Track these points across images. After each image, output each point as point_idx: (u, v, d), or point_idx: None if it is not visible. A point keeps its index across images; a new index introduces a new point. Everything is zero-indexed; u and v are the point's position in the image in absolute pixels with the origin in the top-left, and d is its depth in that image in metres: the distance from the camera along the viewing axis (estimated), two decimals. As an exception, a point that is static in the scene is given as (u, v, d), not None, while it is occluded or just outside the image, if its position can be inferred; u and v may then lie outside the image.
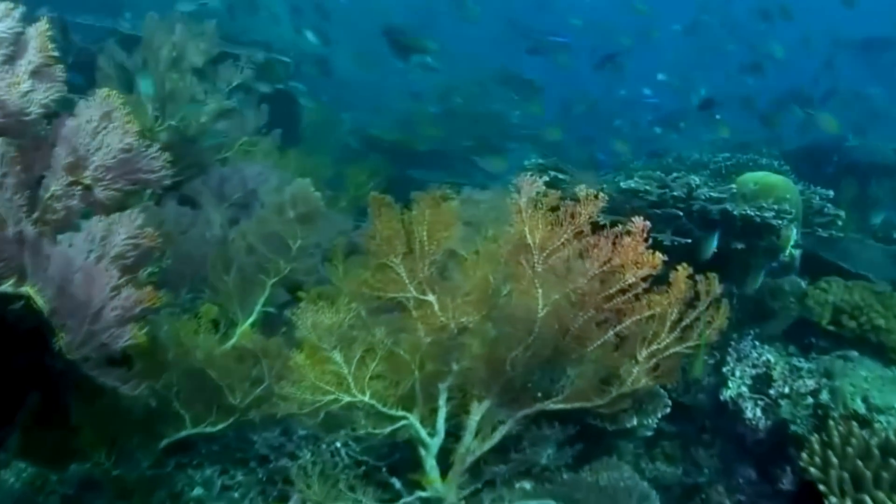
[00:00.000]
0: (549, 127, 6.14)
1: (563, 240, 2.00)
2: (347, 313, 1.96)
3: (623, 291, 2.09)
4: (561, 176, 3.49)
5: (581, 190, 2.10)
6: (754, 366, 2.89)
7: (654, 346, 2.26)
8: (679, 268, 2.22)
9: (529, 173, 3.87)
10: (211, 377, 2.39)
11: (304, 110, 5.28)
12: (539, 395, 2.32)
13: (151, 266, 3.27)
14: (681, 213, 3.15)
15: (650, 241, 2.17)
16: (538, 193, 2.15)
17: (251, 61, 3.74)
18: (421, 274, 2.09)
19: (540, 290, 2.05)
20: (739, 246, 3.11)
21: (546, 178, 3.70)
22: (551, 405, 2.30)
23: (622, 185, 3.31)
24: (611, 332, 2.11)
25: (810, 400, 2.61)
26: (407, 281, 2.09)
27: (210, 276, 3.13)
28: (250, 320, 3.09)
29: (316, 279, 3.55)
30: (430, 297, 2.10)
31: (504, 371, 2.18)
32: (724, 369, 2.97)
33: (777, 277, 3.30)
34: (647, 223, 2.05)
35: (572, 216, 2.03)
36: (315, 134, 5.20)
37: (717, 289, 2.30)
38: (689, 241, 3.07)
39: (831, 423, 2.12)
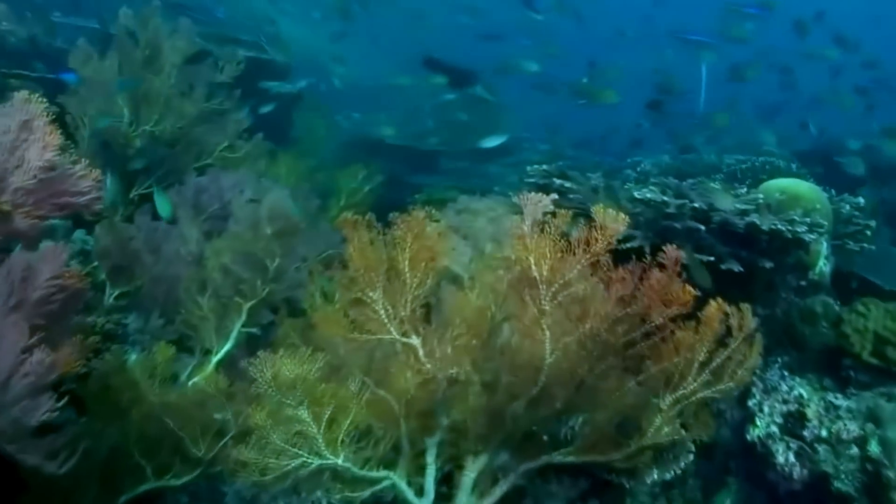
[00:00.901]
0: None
1: (576, 272, 1.58)
2: (313, 363, 1.54)
3: (648, 335, 1.68)
4: (568, 184, 3.07)
5: (598, 210, 1.68)
6: (784, 401, 2.48)
7: (680, 392, 1.84)
8: (712, 302, 1.80)
9: (533, 177, 3.50)
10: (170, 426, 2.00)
11: (298, 112, 4.86)
12: (545, 443, 1.92)
13: (121, 287, 2.90)
14: (701, 227, 2.73)
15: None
16: (546, 214, 1.73)
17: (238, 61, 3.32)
18: (403, 312, 1.68)
19: (547, 333, 1.64)
20: (767, 264, 2.68)
21: (548, 183, 3.30)
22: (559, 458, 1.90)
23: (636, 194, 2.89)
24: (632, 382, 1.69)
25: (856, 450, 2.19)
26: (386, 320, 1.68)
27: (183, 298, 2.73)
28: (226, 348, 2.70)
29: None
30: (414, 340, 1.69)
31: (504, 425, 1.77)
32: (751, 403, 2.55)
33: (806, 297, 2.87)
34: (681, 252, 1.63)
35: (587, 243, 1.61)
36: (309, 136, 4.79)
37: (752, 323, 1.88)
38: (712, 258, 2.66)
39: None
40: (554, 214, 1.71)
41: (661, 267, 1.69)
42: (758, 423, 2.46)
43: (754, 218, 2.69)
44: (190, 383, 2.71)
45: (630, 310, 1.61)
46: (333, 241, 3.39)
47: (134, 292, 2.80)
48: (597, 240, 1.63)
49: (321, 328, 1.72)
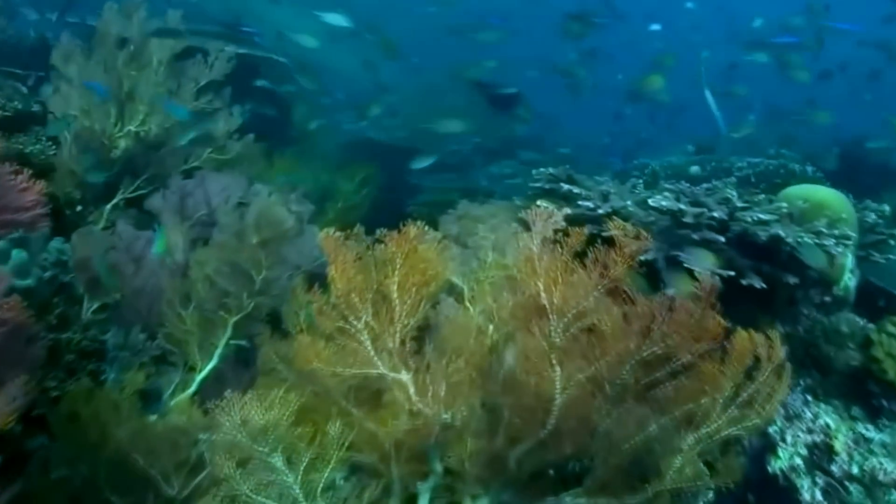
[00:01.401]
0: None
1: (592, 301, 1.34)
2: (286, 409, 1.30)
3: (673, 373, 1.44)
4: (576, 190, 2.82)
5: (616, 226, 1.43)
6: (809, 430, 2.23)
7: (704, 430, 1.59)
8: (741, 332, 1.56)
9: (539, 181, 3.25)
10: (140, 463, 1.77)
11: (296, 111, 4.61)
12: (552, 481, 1.68)
13: (99, 300, 2.67)
14: (721, 238, 2.48)
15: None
16: (557, 232, 1.49)
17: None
18: (391, 343, 1.44)
19: (558, 370, 1.39)
20: (791, 280, 2.43)
21: (555, 188, 3.05)
22: (568, 500, 1.65)
23: (650, 202, 2.65)
24: (653, 426, 1.45)
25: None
26: (372, 353, 1.44)
27: (166, 311, 2.50)
28: (210, 365, 2.47)
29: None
30: (404, 377, 1.44)
31: (506, 469, 1.53)
32: (772, 430, 2.30)
33: (830, 314, 2.62)
34: (716, 281, 1.39)
35: (605, 266, 1.36)
36: (307, 137, 4.54)
37: (781, 353, 1.64)
38: (733, 273, 2.41)
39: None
40: (567, 232, 1.46)
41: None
42: (780, 453, 2.21)
43: (778, 230, 2.44)
44: (172, 402, 2.49)
45: (654, 345, 1.36)
46: (328, 247, 3.17)
47: (114, 305, 2.57)
48: (615, 261, 1.38)
49: (300, 359, 1.48)
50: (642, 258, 2.54)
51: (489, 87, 4.57)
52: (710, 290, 1.36)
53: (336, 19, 4.38)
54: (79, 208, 3.03)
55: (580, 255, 1.48)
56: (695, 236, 2.53)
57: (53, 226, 2.99)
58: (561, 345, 1.38)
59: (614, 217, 2.71)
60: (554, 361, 1.40)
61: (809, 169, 4.12)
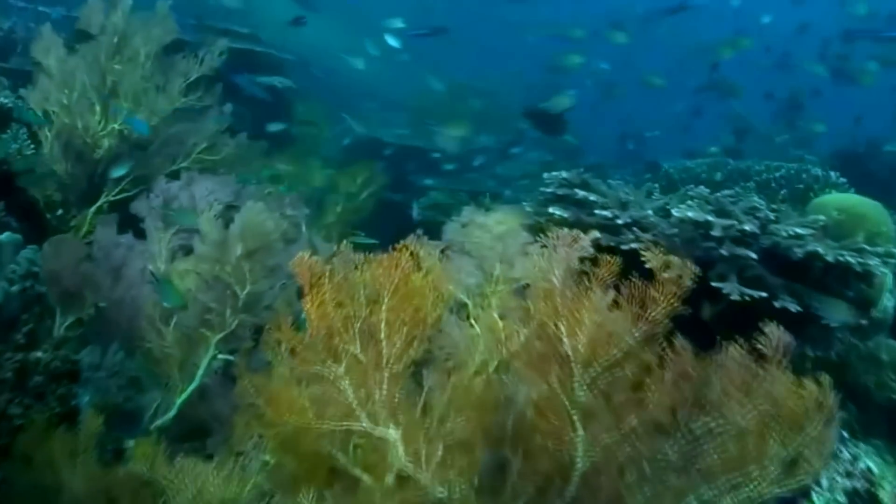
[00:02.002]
0: None
1: (626, 348, 1.05)
2: (243, 487, 1.02)
3: (714, 433, 1.15)
4: (592, 197, 2.52)
5: (655, 258, 1.15)
6: (848, 474, 1.94)
7: (745, 494, 1.30)
8: (789, 383, 1.27)
9: (550, 186, 2.95)
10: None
11: (297, 109, 4.32)
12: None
13: (74, 314, 2.40)
14: (753, 256, 2.18)
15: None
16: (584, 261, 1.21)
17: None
18: (378, 393, 1.15)
19: (580, 433, 1.11)
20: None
21: (568, 193, 2.75)
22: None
23: (675, 212, 2.35)
24: (692, 501, 1.16)
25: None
26: (355, 405, 1.16)
27: (145, 327, 2.24)
28: (192, 387, 2.20)
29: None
30: (392, 434, 1.16)
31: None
32: (807, 469, 2.00)
33: (866, 339, 2.32)
34: (785, 336, 1.09)
35: (642, 305, 1.08)
36: (308, 136, 4.26)
37: (832, 400, 1.35)
38: (765, 294, 2.11)
39: None
40: (595, 260, 1.17)
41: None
42: (815, 500, 1.92)
43: (817, 247, 2.14)
44: (153, 425, 2.24)
45: (703, 414, 1.07)
46: (324, 254, 2.88)
47: (89, 320, 2.30)
48: (656, 301, 1.09)
49: (272, 410, 1.20)
50: (666, 276, 2.27)
51: (537, 112, 4.27)
52: (783, 349, 1.06)
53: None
54: (60, 212, 2.77)
55: (595, 281, 1.19)
56: (723, 251, 2.24)
57: (32, 231, 2.74)
58: (585, 401, 1.10)
59: (634, 228, 2.44)
60: (576, 419, 1.12)
61: (833, 174, 3.80)
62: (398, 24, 4.60)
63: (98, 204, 2.78)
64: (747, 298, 2.13)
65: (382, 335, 1.14)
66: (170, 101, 2.69)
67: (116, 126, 2.68)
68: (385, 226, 4.07)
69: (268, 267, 2.06)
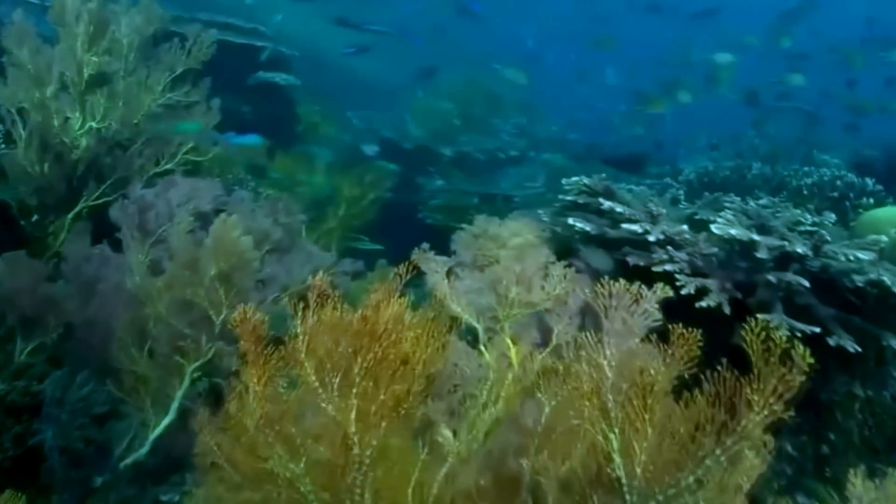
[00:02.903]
0: None
1: (703, 474, 0.68)
2: None
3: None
4: (619, 209, 2.13)
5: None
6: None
7: None
8: None
9: (570, 193, 2.57)
10: None
11: (302, 108, 3.95)
12: None
13: (38, 339, 2.07)
14: (806, 284, 1.80)
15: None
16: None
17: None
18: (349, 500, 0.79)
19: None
20: (893, 341, 1.76)
21: (590, 203, 2.37)
22: None
23: (715, 229, 1.96)
24: None
25: None
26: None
27: (117, 353, 1.90)
28: (165, 421, 1.87)
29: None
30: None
31: None
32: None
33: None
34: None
35: (731, 408, 0.71)
36: (313, 136, 3.89)
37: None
38: (817, 329, 1.73)
39: None
40: (671, 339, 0.80)
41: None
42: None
43: (882, 276, 1.75)
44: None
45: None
46: (321, 264, 2.52)
47: (55, 344, 1.97)
48: (752, 405, 0.71)
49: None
50: (704, 304, 1.89)
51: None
52: None
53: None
54: (35, 217, 2.43)
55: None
56: (770, 277, 1.85)
57: (4, 239, 2.41)
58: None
59: (668, 248, 2.06)
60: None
61: (869, 181, 3.38)
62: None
63: (77, 209, 2.43)
64: (797, 335, 1.75)
65: (353, 430, 0.78)
66: (154, 97, 2.33)
67: (94, 125, 2.33)
68: (392, 230, 3.74)
69: (247, 288, 1.70)
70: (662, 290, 0.86)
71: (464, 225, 2.21)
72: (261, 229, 2.38)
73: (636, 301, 0.82)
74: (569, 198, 2.38)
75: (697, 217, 2.56)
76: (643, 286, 0.85)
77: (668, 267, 1.91)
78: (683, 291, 1.87)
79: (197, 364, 1.84)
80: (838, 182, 3.38)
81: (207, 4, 3.98)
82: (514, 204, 3.64)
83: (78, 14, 2.15)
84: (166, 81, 2.37)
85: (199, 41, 2.35)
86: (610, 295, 0.83)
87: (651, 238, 1.97)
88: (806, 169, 3.58)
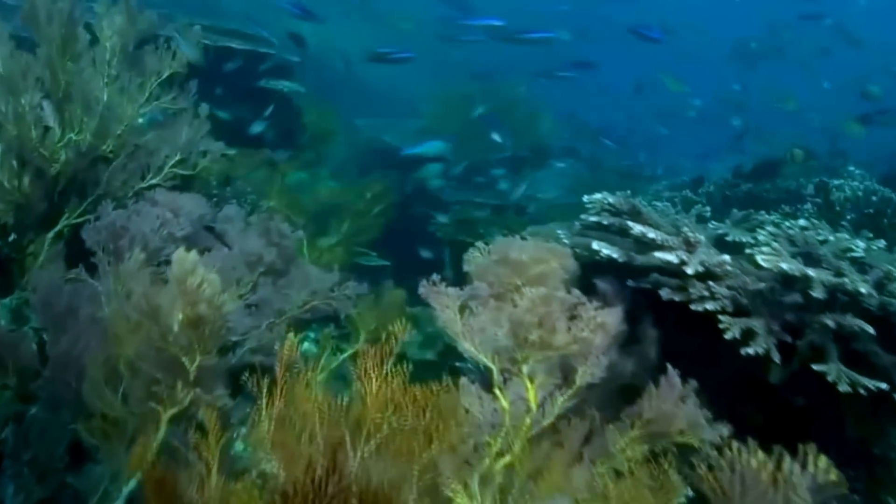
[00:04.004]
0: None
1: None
2: None
3: None
4: (651, 234, 1.80)
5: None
6: None
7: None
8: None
9: (593, 213, 2.25)
10: None
11: (308, 117, 3.63)
12: None
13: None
14: (871, 331, 1.47)
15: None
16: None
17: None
18: None
19: None
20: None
21: (615, 224, 2.04)
22: None
23: (762, 262, 1.63)
24: None
25: None
26: None
27: (89, 395, 1.61)
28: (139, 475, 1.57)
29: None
30: None
31: None
32: None
33: None
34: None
35: None
36: (318, 145, 3.58)
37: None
38: (884, 386, 1.41)
39: None
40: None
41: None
42: None
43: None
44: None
45: None
46: (320, 287, 2.22)
47: (18, 385, 1.68)
48: None
49: None
50: (750, 351, 1.57)
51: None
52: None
53: None
54: (13, 237, 2.14)
55: None
56: (828, 321, 1.52)
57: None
58: None
59: (709, 282, 1.73)
60: None
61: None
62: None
63: (57, 228, 2.14)
64: (861, 391, 1.43)
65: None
66: (134, 105, 2.03)
67: (74, 137, 2.03)
68: (400, 243, 3.46)
69: (221, 332, 1.40)
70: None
71: (479, 244, 1.89)
72: (252, 251, 2.09)
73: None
74: (592, 218, 2.06)
75: (729, 238, 2.23)
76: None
77: (709, 306, 1.59)
78: (728, 336, 1.56)
79: (173, 412, 1.54)
80: (873, 198, 3.02)
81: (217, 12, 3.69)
82: (529, 217, 3.32)
83: (49, 15, 1.85)
84: (152, 88, 2.07)
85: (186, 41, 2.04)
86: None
87: (689, 270, 1.65)
88: (837, 182, 3.23)
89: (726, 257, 1.72)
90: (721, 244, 2.17)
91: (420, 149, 3.34)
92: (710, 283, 1.64)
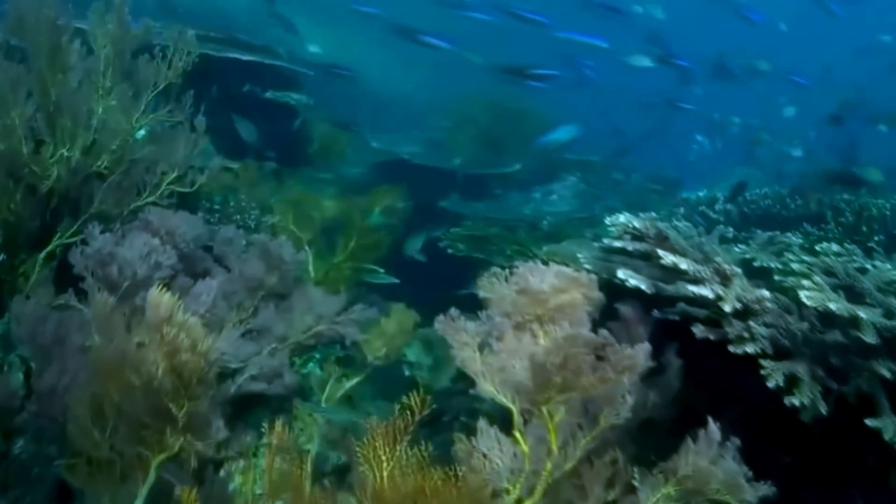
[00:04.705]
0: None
1: None
2: None
3: None
4: (683, 265, 1.62)
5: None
6: None
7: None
8: None
9: (617, 239, 2.05)
10: None
11: (315, 129, 3.46)
12: None
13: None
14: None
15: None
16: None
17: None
18: None
19: None
20: None
21: (641, 249, 1.86)
22: None
23: (806, 300, 1.45)
24: None
25: None
26: None
27: (74, 434, 1.45)
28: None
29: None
30: None
31: None
32: None
33: None
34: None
35: None
36: (326, 157, 3.41)
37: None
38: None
39: None
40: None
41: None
42: None
43: None
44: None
45: None
46: (325, 312, 2.05)
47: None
48: None
49: None
50: (795, 402, 1.38)
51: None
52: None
53: None
54: (2, 257, 1.98)
55: None
56: (883, 371, 1.34)
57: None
58: None
59: (749, 322, 1.55)
60: None
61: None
62: None
63: (49, 248, 1.98)
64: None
65: None
66: (129, 118, 1.86)
67: (65, 153, 1.87)
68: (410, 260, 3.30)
69: (209, 378, 1.23)
70: None
71: (496, 270, 1.70)
72: (253, 276, 1.93)
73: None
74: (616, 244, 1.87)
75: (756, 264, 2.04)
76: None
77: (749, 349, 1.41)
78: (770, 384, 1.38)
79: (163, 457, 1.37)
80: (904, 214, 2.83)
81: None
82: (544, 233, 3.14)
83: (36, 22, 1.69)
84: (148, 99, 1.91)
85: (181, 50, 1.88)
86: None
87: (727, 308, 1.47)
88: (862, 201, 3.03)
89: (765, 293, 1.54)
90: (748, 269, 1.99)
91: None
92: (750, 322, 1.46)
